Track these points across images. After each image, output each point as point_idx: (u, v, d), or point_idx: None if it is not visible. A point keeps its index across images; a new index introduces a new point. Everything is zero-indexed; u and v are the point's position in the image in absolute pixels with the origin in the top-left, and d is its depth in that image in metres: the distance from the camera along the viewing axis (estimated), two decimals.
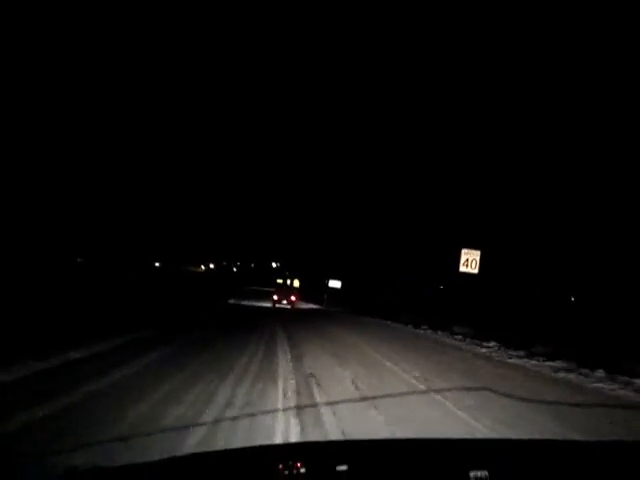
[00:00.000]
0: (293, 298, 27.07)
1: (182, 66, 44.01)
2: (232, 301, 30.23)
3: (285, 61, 58.06)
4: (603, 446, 1.80)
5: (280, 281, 65.99)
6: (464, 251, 14.51)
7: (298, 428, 4.20)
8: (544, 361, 9.75)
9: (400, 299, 26.72)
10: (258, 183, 74.66)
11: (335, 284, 40.38)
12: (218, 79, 58.32)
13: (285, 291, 28.81)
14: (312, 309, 32.00)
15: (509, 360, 10.26)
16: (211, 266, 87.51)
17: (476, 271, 14.37)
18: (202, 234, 72.36)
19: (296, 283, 61.32)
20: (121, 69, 26.79)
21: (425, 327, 16.95)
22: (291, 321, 17.11)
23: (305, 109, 50.21)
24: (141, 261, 52.20)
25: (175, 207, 51.60)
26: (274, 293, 27.77)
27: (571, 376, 8.37)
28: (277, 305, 26.61)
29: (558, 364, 9.35)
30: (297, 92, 56.42)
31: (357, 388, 6.24)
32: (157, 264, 68.39)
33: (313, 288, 46.00)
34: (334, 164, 41.41)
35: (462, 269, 14.46)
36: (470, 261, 14.31)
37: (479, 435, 4.15)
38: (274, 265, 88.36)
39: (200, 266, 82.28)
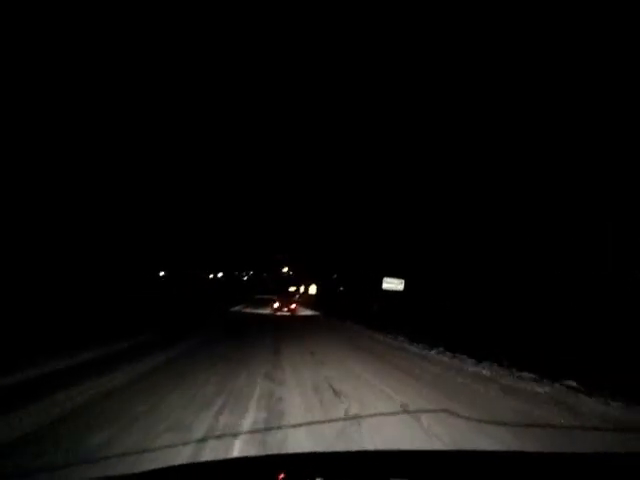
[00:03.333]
0: (293, 306, 26.61)
1: (181, 72, 41.08)
2: (235, 309, 27.07)
3: (284, 64, 54.16)
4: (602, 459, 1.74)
5: (293, 289, 60.76)
6: None
7: None
8: None
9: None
10: (269, 185, 69.48)
11: (392, 285, 23.86)
12: (218, 85, 54.28)
13: (286, 299, 27.85)
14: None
15: None
16: (219, 275, 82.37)
17: None
18: (211, 243, 67.67)
19: (313, 289, 55.75)
20: (115, 78, 23.94)
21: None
22: None
23: (316, 104, 45.23)
24: (146, 270, 48.60)
25: (182, 215, 47.46)
26: (275, 301, 27.26)
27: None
28: (278, 313, 25.82)
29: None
30: (309, 88, 51.34)
31: None
32: (162, 273, 64.23)
33: (331, 294, 40.51)
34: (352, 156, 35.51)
35: None
36: None
37: None
38: (285, 270, 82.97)
39: (206, 276, 77.35)
